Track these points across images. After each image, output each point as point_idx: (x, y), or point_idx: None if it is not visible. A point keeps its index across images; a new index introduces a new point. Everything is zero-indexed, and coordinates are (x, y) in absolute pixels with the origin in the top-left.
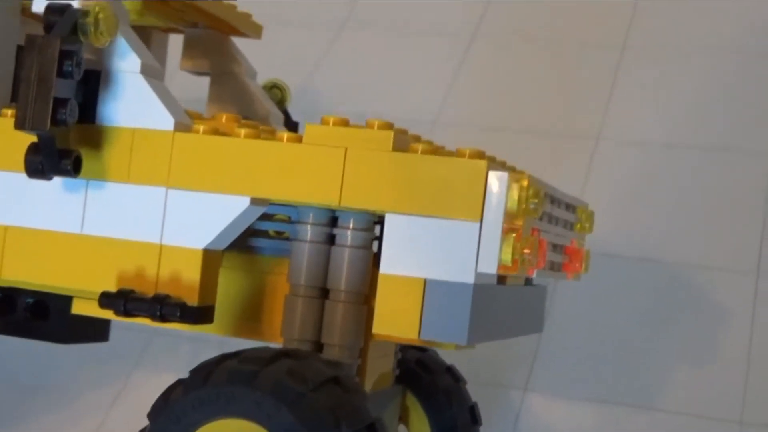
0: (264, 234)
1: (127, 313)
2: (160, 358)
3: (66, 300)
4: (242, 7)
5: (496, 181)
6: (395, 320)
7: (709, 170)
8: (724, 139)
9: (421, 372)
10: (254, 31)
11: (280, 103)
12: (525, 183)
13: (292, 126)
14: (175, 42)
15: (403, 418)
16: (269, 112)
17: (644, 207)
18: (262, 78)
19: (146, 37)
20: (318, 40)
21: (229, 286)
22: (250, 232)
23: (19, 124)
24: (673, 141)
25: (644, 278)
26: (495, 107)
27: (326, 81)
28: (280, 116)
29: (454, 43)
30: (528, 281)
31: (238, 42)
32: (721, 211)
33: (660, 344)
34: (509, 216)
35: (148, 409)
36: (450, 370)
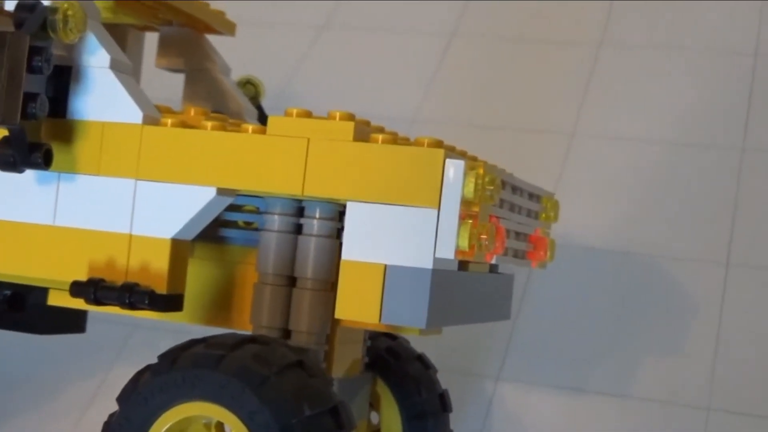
0: (233, 225)
1: (97, 301)
2: (140, 351)
3: (42, 291)
4: (224, 8)
5: (452, 168)
6: (357, 305)
7: (681, 164)
8: (696, 134)
9: (391, 359)
10: (227, 28)
11: (254, 99)
12: (480, 170)
13: (265, 121)
14: (153, 41)
15: (375, 405)
16: (243, 107)
17: (617, 200)
18: (237, 74)
19: (122, 35)
20: (299, 40)
21: (200, 276)
22: (220, 223)
23: None
24: (646, 136)
25: (617, 269)
26: (473, 104)
27: (307, 80)
28: (254, 111)
29: (433, 42)
30: (493, 269)
31: (216, 41)
32: (693, 205)
33: (631, 333)
34: (466, 203)
35: None
36: (420, 358)
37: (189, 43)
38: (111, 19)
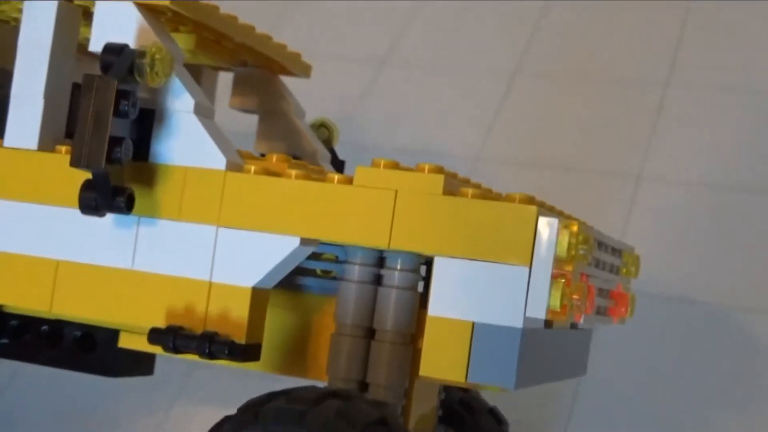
0: (311, 273)
1: (176, 350)
2: (200, 389)
3: (113, 333)
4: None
5: (546, 226)
6: (442, 362)
7: (752, 211)
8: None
9: (464, 413)
10: (303, 70)
11: (327, 142)
12: (575, 229)
13: (338, 165)
14: (223, 79)
15: None
16: (317, 151)
17: (686, 248)
18: (309, 116)
19: (196, 74)
20: (359, 76)
21: (274, 324)
22: (297, 271)
23: (75, 162)
24: (716, 181)
25: (686, 319)
26: (537, 144)
27: (368, 117)
28: (328, 155)
29: (495, 80)
30: (574, 325)
31: None
32: (765, 253)
33: (701, 387)
34: (559, 261)
35: None
36: (492, 412)
37: (264, 84)
38: (189, 59)
